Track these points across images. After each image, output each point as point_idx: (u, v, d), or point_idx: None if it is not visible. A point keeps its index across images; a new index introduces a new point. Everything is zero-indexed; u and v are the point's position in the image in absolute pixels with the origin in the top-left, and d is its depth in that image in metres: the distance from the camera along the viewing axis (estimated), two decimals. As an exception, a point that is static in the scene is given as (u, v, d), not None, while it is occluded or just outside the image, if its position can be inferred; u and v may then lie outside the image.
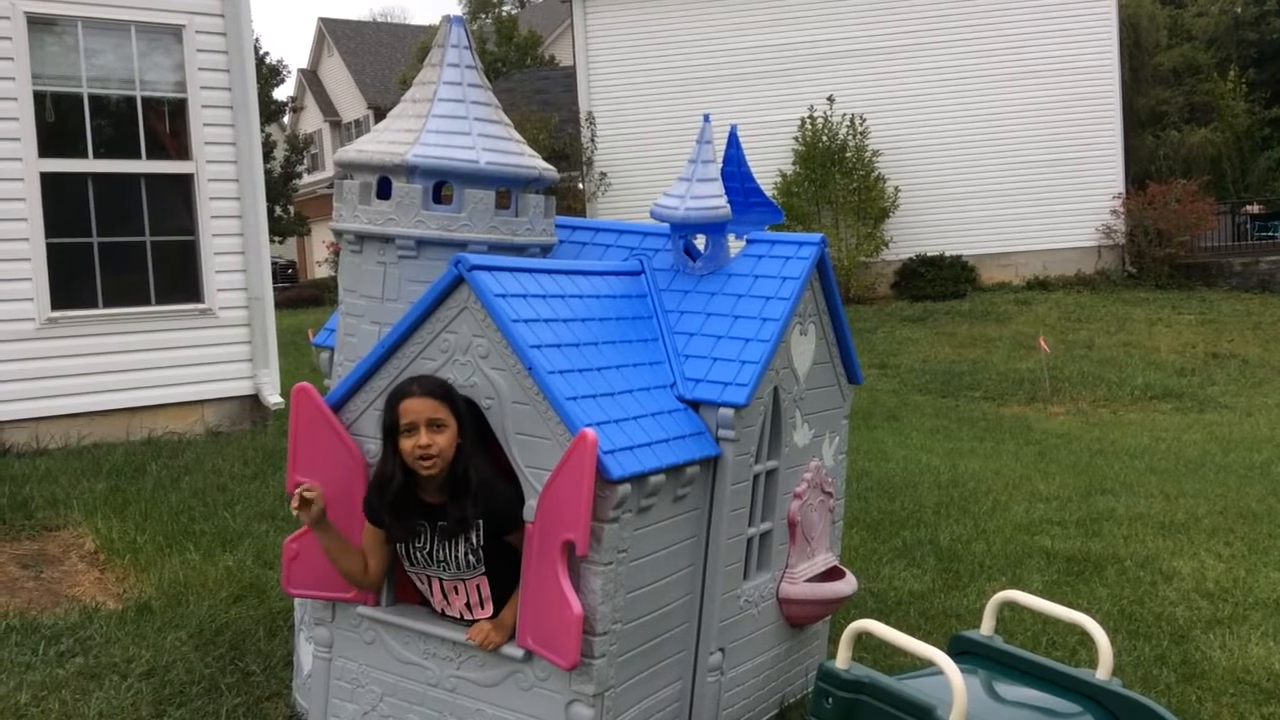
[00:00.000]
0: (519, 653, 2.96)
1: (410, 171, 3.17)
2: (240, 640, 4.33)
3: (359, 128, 41.80)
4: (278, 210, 32.45)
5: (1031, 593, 3.72)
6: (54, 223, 8.06)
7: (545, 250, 3.47)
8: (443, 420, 2.93)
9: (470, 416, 3.00)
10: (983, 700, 2.80)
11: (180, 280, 8.66)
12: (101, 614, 4.66)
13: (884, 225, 20.40)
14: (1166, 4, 31.13)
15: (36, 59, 8.01)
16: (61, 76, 8.16)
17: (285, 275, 35.34)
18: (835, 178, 20.05)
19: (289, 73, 38.16)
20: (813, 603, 3.62)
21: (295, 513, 3.01)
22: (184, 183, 8.66)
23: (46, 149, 8.03)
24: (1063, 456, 9.23)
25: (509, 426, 2.95)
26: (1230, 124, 27.90)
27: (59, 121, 8.13)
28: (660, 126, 20.45)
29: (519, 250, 3.32)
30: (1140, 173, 23.90)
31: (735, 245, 3.62)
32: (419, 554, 3.10)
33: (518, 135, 3.44)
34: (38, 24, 8.03)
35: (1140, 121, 26.94)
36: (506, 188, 3.31)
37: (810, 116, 20.39)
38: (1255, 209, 25.84)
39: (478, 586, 3.09)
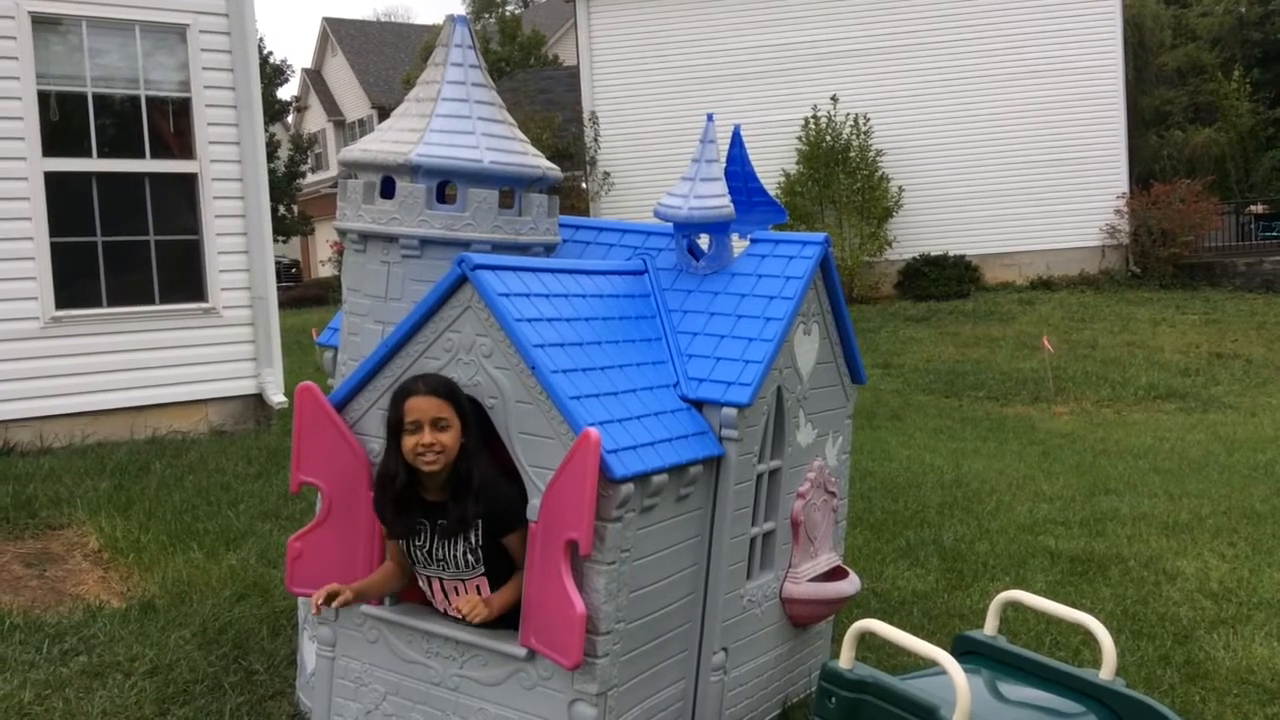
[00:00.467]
0: (522, 652, 2.95)
1: (414, 171, 3.17)
2: (244, 639, 4.33)
3: (363, 127, 41.81)
4: (282, 210, 32.50)
5: (1035, 593, 3.71)
6: (58, 222, 8.07)
7: (549, 250, 3.47)
8: (447, 419, 2.94)
9: (474, 416, 3.00)
10: (986, 700, 2.80)
11: (184, 279, 8.67)
12: (105, 612, 4.67)
13: (887, 225, 20.39)
14: (1171, 4, 31.10)
15: (41, 58, 8.02)
16: (66, 76, 8.17)
17: (289, 275, 35.36)
18: (839, 177, 20.04)
19: (293, 72, 38.23)
20: (816, 602, 3.62)
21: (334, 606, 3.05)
22: (188, 182, 8.67)
23: (51, 148, 8.04)
24: (1066, 456, 9.22)
25: (512, 426, 2.95)
26: (1234, 124, 27.87)
27: (63, 121, 8.15)
28: (664, 126, 20.44)
29: (522, 250, 3.32)
30: (1144, 172, 23.87)
31: (739, 245, 3.62)
32: (419, 552, 3.10)
33: (521, 135, 3.44)
34: (42, 23, 8.04)
35: (1144, 121, 26.91)
36: (510, 187, 3.31)
37: (814, 116, 20.38)
38: (1259, 209, 25.78)
39: (478, 587, 3.09)
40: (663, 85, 20.97)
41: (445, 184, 3.25)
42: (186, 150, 8.65)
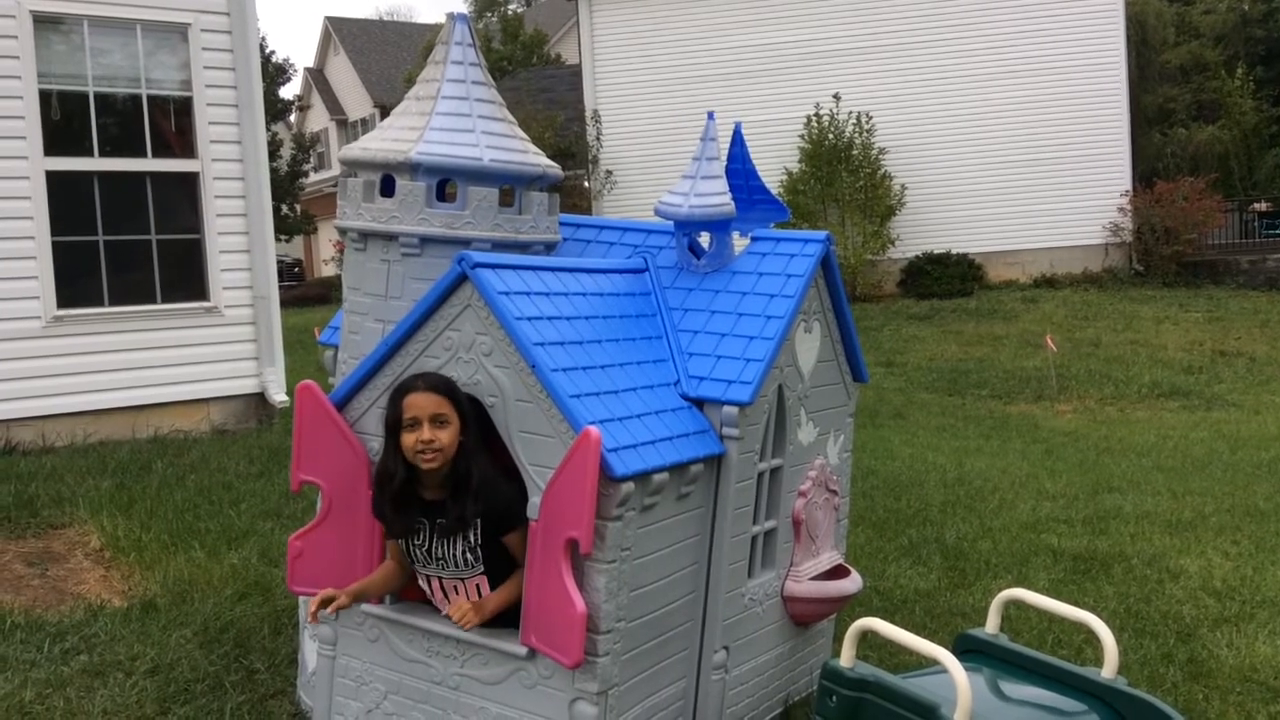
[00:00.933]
0: (522, 650, 2.95)
1: (414, 169, 3.16)
2: (245, 638, 4.33)
3: (365, 126, 41.80)
4: (284, 209, 32.51)
5: (1037, 591, 3.70)
6: (59, 221, 8.07)
7: (549, 248, 3.46)
8: (446, 416, 2.93)
9: (474, 415, 2.99)
10: (988, 699, 2.79)
11: (186, 278, 8.67)
12: (106, 612, 4.67)
13: (890, 223, 20.38)
14: (1174, 1, 31.05)
15: (42, 57, 8.02)
16: (67, 75, 8.17)
17: (292, 274, 35.35)
18: (841, 175, 20.03)
19: (295, 71, 38.23)
20: (817, 601, 3.61)
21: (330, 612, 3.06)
22: (189, 181, 8.66)
23: (52, 147, 8.04)
24: (1069, 455, 9.21)
25: (512, 424, 2.95)
26: (1238, 121, 27.82)
27: (64, 120, 8.15)
28: (666, 125, 20.43)
29: (523, 248, 3.32)
30: (1147, 170, 23.83)
31: (740, 243, 3.61)
32: (418, 551, 3.10)
33: (521, 133, 3.43)
34: (44, 22, 8.04)
35: (1147, 119, 26.88)
36: (510, 185, 3.31)
37: (816, 114, 20.37)
38: (1262, 206, 25.77)
39: (477, 586, 3.09)
40: (665, 84, 20.96)
41: (445, 182, 3.24)
42: (188, 149, 8.65)
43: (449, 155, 3.17)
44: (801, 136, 20.44)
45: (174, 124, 8.67)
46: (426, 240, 3.18)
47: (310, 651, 3.59)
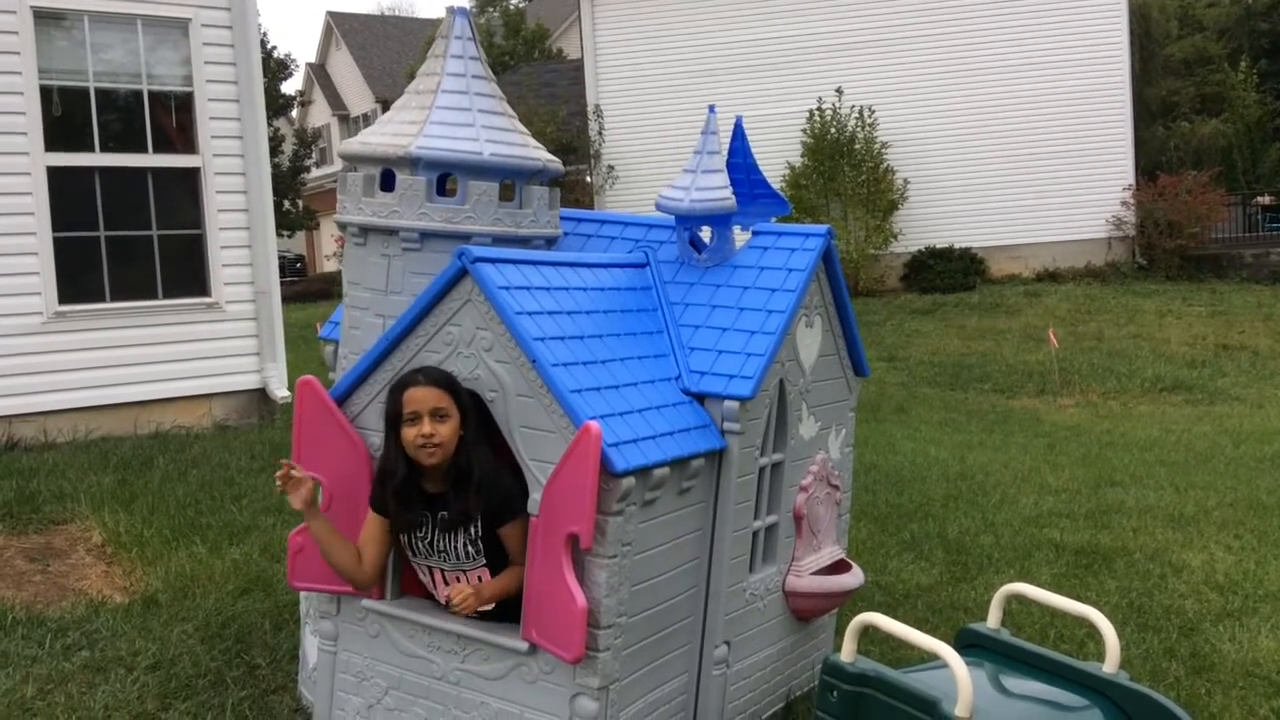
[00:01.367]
0: (523, 646, 2.95)
1: (414, 163, 3.15)
2: (246, 634, 4.33)
3: (367, 121, 41.78)
4: (286, 204, 32.52)
5: (1040, 585, 3.69)
6: (61, 217, 8.08)
7: (550, 242, 3.45)
8: (446, 410, 2.93)
9: (474, 409, 2.99)
10: (989, 693, 2.79)
11: (187, 274, 8.67)
12: (108, 607, 4.67)
13: (893, 217, 20.36)
14: (1177, -5, 30.98)
15: (43, 53, 8.01)
16: (68, 70, 8.17)
17: (294, 269, 35.35)
18: (844, 170, 20.01)
19: (297, 66, 38.20)
20: (819, 596, 3.61)
21: (282, 491, 3.00)
22: (191, 177, 8.66)
23: (53, 143, 8.04)
24: (1072, 449, 9.20)
25: (513, 419, 2.94)
26: (1241, 115, 27.74)
27: (65, 115, 8.14)
28: (668, 119, 20.41)
29: (523, 242, 3.31)
30: (1150, 164, 23.79)
31: (741, 237, 3.60)
32: (420, 544, 3.10)
33: (521, 127, 3.42)
34: (44, 18, 8.03)
35: (1151, 113, 26.81)
36: (510, 179, 3.29)
37: (819, 108, 20.34)
38: (1266, 200, 25.71)
39: (479, 578, 3.09)
40: (667, 78, 20.94)
41: (446, 177, 3.23)
42: (189, 145, 8.65)
43: (449, 149, 3.16)
44: (804, 131, 20.41)
45: (175, 119, 8.67)
46: (427, 235, 3.18)
47: (311, 647, 3.58)
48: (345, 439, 3.18)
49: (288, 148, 34.69)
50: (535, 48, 36.11)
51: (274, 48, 34.78)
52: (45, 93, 8.00)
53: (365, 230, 3.27)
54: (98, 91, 8.26)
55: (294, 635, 4.25)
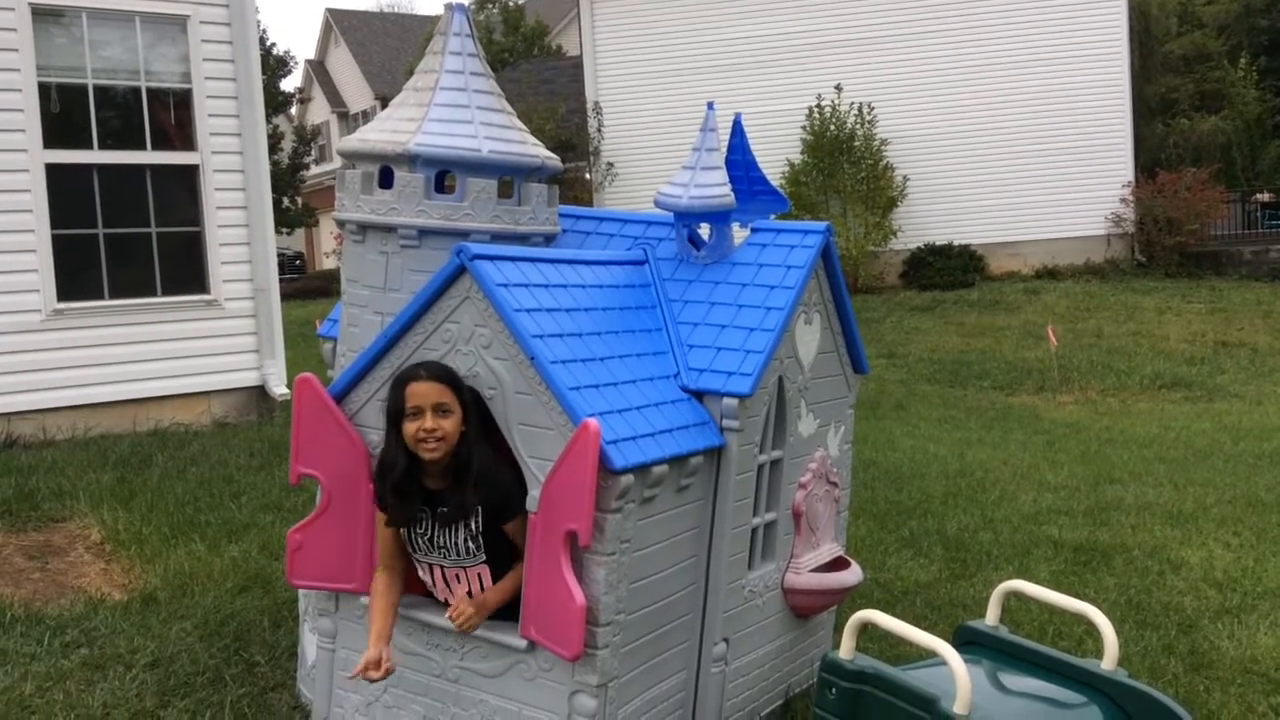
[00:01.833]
0: (522, 643, 2.95)
1: (412, 160, 3.15)
2: (245, 631, 4.33)
3: (366, 118, 41.59)
4: (285, 201, 32.48)
5: (1039, 583, 3.69)
6: (59, 214, 8.07)
7: (549, 240, 3.45)
8: (448, 405, 2.92)
9: (474, 406, 2.98)
10: (987, 690, 2.79)
11: (186, 271, 8.67)
12: (107, 605, 4.67)
13: (892, 214, 20.35)
14: (1176, -9, 30.95)
15: (41, 50, 8.01)
16: (66, 67, 8.16)
17: (294, 267, 35.35)
18: (843, 167, 20.00)
19: (296, 63, 38.18)
20: (818, 593, 3.61)
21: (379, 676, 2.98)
22: (189, 174, 8.66)
23: (51, 140, 8.04)
24: (1071, 446, 9.20)
25: (511, 416, 2.94)
26: (1241, 112, 27.73)
27: (64, 113, 8.14)
28: (668, 116, 20.39)
29: (522, 239, 3.31)
30: (1150, 161, 23.77)
31: (740, 234, 3.60)
32: (420, 540, 3.09)
33: (520, 124, 3.42)
34: (42, 15, 8.03)
35: (1150, 109, 26.78)
36: (509, 176, 3.29)
37: (818, 105, 20.32)
38: (1265, 197, 25.67)
39: (479, 575, 3.08)
40: (666, 75, 20.91)
41: (444, 174, 3.23)
42: (188, 142, 8.65)
43: (447, 146, 3.16)
44: (803, 128, 20.38)
45: (174, 116, 8.66)
46: (425, 232, 3.17)
47: (310, 644, 3.58)
48: (344, 436, 3.18)
49: (287, 145, 34.65)
50: (534, 44, 36.07)
51: (273, 44, 34.77)
52: (44, 90, 7.99)
53: (364, 227, 3.27)
54: (96, 88, 8.26)
55: (293, 633, 4.25)
